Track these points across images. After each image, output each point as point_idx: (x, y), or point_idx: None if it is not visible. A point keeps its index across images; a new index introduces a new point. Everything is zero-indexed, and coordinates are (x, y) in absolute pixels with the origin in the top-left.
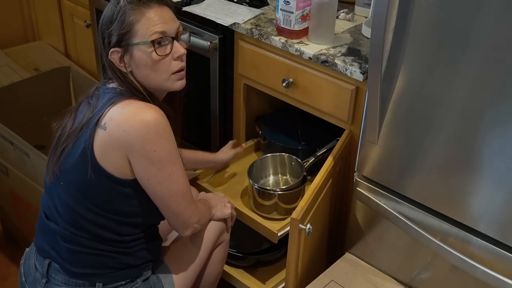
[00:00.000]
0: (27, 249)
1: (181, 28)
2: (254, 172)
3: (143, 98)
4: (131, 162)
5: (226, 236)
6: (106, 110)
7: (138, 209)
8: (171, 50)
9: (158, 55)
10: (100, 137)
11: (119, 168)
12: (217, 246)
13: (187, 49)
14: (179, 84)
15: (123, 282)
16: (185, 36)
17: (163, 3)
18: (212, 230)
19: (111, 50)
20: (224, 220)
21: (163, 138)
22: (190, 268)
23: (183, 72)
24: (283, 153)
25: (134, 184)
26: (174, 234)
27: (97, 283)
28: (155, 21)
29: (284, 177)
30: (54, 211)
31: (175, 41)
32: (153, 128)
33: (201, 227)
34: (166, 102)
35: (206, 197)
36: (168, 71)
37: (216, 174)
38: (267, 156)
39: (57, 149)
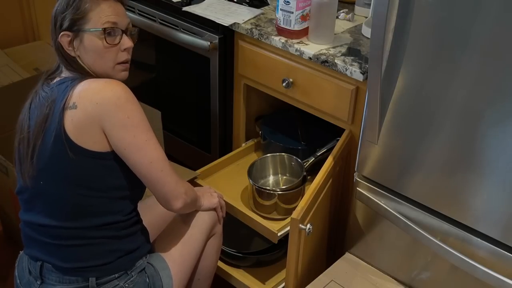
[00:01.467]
0: (21, 252)
1: (131, 25)
2: (254, 172)
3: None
4: (107, 134)
5: (219, 228)
6: (70, 93)
7: (125, 181)
8: (120, 41)
9: (107, 43)
10: (71, 117)
11: (98, 142)
12: (210, 237)
13: (187, 48)
14: (123, 74)
15: (116, 275)
16: (134, 33)
17: None
18: (204, 221)
19: (62, 33)
20: (214, 210)
21: (134, 104)
22: (186, 260)
23: (128, 64)
24: (283, 153)
25: (115, 155)
26: (168, 226)
27: (90, 278)
28: (108, 12)
29: (284, 177)
30: (38, 215)
31: (124, 34)
32: (123, 95)
33: (190, 200)
34: None
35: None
36: (114, 60)
37: (216, 174)
38: (267, 156)
39: (24, 155)
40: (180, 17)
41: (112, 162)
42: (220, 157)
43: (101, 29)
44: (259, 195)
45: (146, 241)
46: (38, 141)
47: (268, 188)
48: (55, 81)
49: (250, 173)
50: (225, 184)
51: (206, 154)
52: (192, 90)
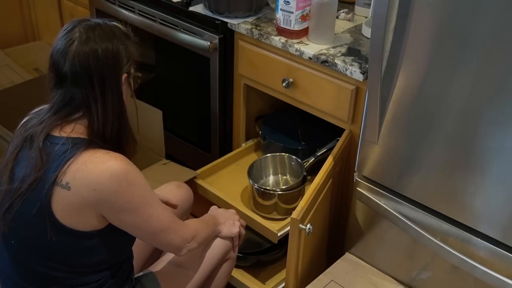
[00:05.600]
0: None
1: None
2: (254, 172)
3: (102, 141)
4: (105, 215)
5: (233, 254)
6: (65, 167)
7: (105, 256)
8: None
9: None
10: (62, 197)
11: (87, 224)
12: (223, 262)
13: (187, 48)
14: None
15: None
16: None
17: None
18: (217, 248)
19: (124, 76)
20: (231, 238)
21: (135, 186)
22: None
23: None
24: (283, 153)
25: (100, 233)
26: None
27: None
28: None
29: (284, 177)
30: (8, 266)
31: None
32: (124, 179)
33: (198, 244)
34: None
35: (216, 213)
36: None
37: (215, 174)
38: (267, 156)
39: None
40: (180, 17)
41: (97, 240)
42: (220, 157)
43: (140, 75)
44: (259, 195)
45: (130, 270)
46: (18, 201)
47: (268, 188)
48: (57, 135)
49: (250, 173)
50: (225, 184)
51: (206, 154)
52: (192, 90)
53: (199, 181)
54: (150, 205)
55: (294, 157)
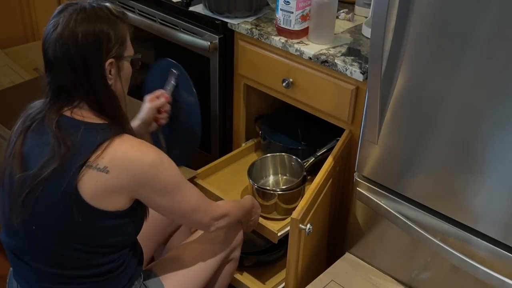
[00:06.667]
0: (11, 269)
1: None
2: (254, 172)
3: (120, 124)
4: (140, 198)
5: (237, 253)
6: (99, 151)
7: (125, 236)
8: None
9: (134, 69)
10: (96, 179)
11: (114, 204)
12: (226, 263)
13: (187, 48)
14: None
15: None
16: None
17: None
18: (220, 248)
19: (109, 61)
20: (240, 233)
21: (169, 171)
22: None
23: None
24: (283, 153)
25: (123, 213)
26: (174, 245)
27: None
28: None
29: (284, 177)
30: (26, 254)
31: None
32: (161, 167)
33: (227, 224)
34: None
35: (254, 203)
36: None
37: (215, 174)
38: (267, 156)
39: (15, 193)
40: (180, 17)
41: (120, 220)
42: (220, 157)
43: (140, 56)
44: (259, 195)
45: (138, 264)
46: (39, 187)
47: (268, 188)
48: (75, 117)
49: (250, 173)
50: (225, 184)
51: (206, 154)
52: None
53: (199, 181)
54: (181, 189)
55: (294, 157)
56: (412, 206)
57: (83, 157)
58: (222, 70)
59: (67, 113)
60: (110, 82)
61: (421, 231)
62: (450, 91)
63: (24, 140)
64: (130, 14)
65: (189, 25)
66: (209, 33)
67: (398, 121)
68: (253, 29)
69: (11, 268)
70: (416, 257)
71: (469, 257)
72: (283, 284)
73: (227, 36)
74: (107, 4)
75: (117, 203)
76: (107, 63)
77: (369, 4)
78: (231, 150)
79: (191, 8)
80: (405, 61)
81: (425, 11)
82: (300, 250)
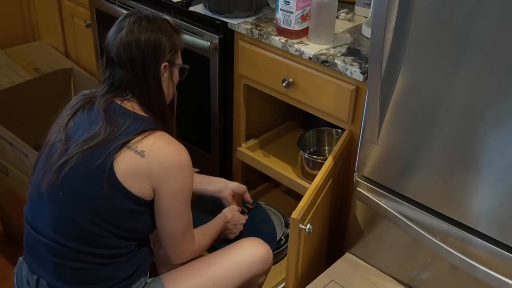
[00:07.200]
0: (20, 258)
1: None
2: (302, 143)
3: (164, 123)
4: (156, 191)
5: (261, 281)
6: (140, 137)
7: (139, 226)
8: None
9: (181, 78)
10: (131, 160)
11: (142, 190)
12: (249, 287)
13: (187, 48)
14: None
15: None
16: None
17: None
18: (247, 270)
19: (164, 64)
20: (269, 261)
21: (191, 178)
22: None
23: None
24: (330, 127)
25: (146, 203)
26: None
27: None
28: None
29: (330, 149)
30: (44, 223)
31: None
32: (186, 170)
33: (192, 256)
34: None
35: (230, 218)
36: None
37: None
38: (314, 130)
39: (53, 160)
40: (180, 17)
41: (142, 208)
42: (220, 157)
43: (188, 67)
44: (307, 164)
45: (149, 255)
46: (78, 156)
47: (316, 157)
48: (124, 106)
49: (299, 143)
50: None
51: (206, 154)
52: (192, 90)
53: (241, 148)
54: (188, 203)
55: (340, 130)
56: (412, 206)
57: (124, 138)
58: (222, 70)
59: (118, 101)
60: (162, 84)
61: (421, 231)
62: (450, 91)
63: (71, 117)
64: None
65: (189, 25)
66: (209, 33)
67: (398, 121)
68: (253, 29)
69: (20, 258)
70: (416, 257)
71: (469, 257)
72: (283, 284)
73: (227, 36)
74: (167, 17)
75: (142, 189)
76: (162, 66)
77: (369, 4)
78: (231, 150)
79: (191, 8)
80: (405, 61)
81: (425, 11)
82: (300, 250)
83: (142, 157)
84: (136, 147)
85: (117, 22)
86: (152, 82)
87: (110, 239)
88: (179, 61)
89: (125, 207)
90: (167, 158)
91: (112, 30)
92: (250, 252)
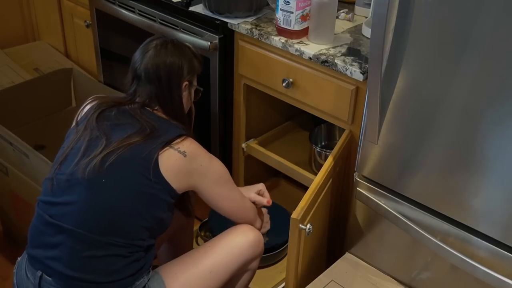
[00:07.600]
0: (18, 259)
1: None
2: (313, 137)
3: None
4: (200, 188)
5: (255, 264)
6: (180, 139)
7: (167, 219)
8: None
9: (195, 99)
10: (176, 158)
11: (178, 185)
12: (242, 273)
13: None
14: None
15: None
16: None
17: None
18: (239, 255)
19: (185, 83)
20: (261, 245)
21: (223, 167)
22: None
23: None
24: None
25: (176, 196)
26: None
27: None
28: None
29: None
30: (73, 210)
31: None
32: (218, 165)
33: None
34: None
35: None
36: None
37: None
38: (324, 124)
39: (94, 150)
40: (180, 17)
41: (173, 202)
42: (220, 157)
43: (202, 89)
44: (320, 157)
45: (152, 255)
46: (123, 149)
47: (329, 151)
48: (157, 113)
49: (311, 137)
50: (284, 149)
51: None
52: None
53: (250, 143)
54: (231, 182)
55: None
56: (412, 206)
57: (166, 138)
58: (222, 70)
59: (149, 109)
60: (183, 99)
61: (421, 231)
62: (450, 91)
63: (98, 117)
64: (130, 14)
65: (189, 25)
66: (209, 33)
67: (398, 121)
68: (253, 29)
69: (18, 258)
70: (416, 257)
71: (469, 257)
72: (283, 284)
73: (227, 36)
74: (188, 44)
75: (179, 183)
76: (183, 84)
77: (369, 4)
78: (231, 150)
79: (191, 8)
80: (405, 61)
81: (425, 11)
82: (300, 250)
83: (185, 156)
84: (179, 147)
85: (144, 44)
86: (175, 97)
87: (139, 230)
88: (195, 82)
89: (162, 197)
90: (201, 157)
91: (139, 51)
92: (242, 238)
